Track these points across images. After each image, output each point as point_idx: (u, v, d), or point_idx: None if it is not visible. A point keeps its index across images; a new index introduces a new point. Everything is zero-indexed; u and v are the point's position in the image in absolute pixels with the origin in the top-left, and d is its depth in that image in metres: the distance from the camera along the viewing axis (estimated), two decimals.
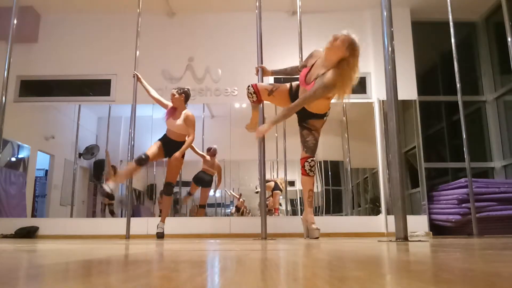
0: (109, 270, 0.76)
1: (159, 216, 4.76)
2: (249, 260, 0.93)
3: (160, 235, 3.63)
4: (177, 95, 3.70)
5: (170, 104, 3.76)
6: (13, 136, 4.93)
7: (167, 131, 3.74)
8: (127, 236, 3.78)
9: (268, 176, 4.86)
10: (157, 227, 3.66)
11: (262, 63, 3.21)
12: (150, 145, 3.73)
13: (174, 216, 4.98)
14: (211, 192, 5.00)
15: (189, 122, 3.62)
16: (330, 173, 5.07)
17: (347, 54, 2.54)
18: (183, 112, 3.67)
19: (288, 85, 3.07)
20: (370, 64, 5.08)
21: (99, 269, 0.79)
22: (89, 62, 5.18)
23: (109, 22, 5.31)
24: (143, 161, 3.44)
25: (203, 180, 4.73)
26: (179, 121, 3.64)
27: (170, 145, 3.66)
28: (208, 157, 4.62)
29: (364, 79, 5.08)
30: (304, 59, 4.13)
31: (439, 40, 5.28)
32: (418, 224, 4.45)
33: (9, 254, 1.30)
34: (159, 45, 5.17)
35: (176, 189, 4.60)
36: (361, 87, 5.10)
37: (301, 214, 4.63)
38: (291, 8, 5.16)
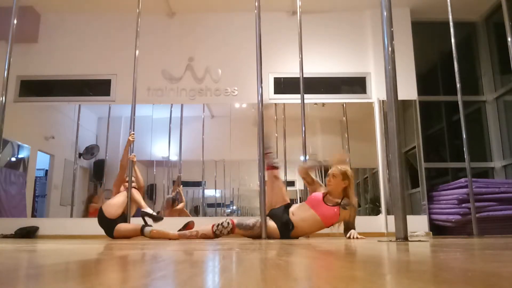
0: (109, 270, 0.76)
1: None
2: (249, 260, 0.93)
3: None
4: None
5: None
6: (13, 136, 4.93)
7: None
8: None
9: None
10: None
11: (261, 63, 3.20)
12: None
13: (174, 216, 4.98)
14: (212, 192, 5.01)
15: None
16: None
17: (344, 184, 3.03)
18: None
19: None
20: (370, 64, 5.08)
21: (99, 269, 0.79)
22: (89, 62, 5.18)
23: (109, 22, 5.31)
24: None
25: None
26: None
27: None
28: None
29: (364, 79, 5.08)
30: (303, 59, 4.14)
31: (439, 40, 5.28)
32: (418, 224, 4.45)
33: (9, 254, 1.30)
34: (159, 45, 5.17)
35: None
36: (361, 87, 5.10)
37: None
38: (291, 8, 5.16)
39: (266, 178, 3.05)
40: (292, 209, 3.08)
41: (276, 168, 3.17)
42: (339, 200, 3.03)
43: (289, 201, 3.17)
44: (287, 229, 2.96)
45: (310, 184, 3.25)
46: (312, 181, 3.24)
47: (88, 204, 4.94)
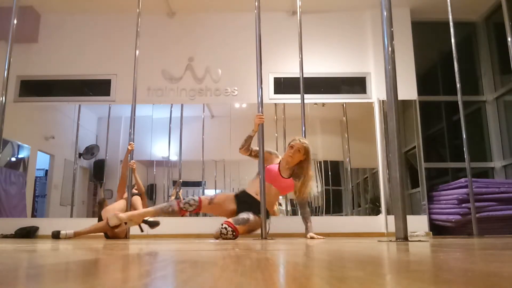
0: (109, 270, 0.76)
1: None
2: (249, 260, 0.93)
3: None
4: None
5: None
6: (13, 136, 4.93)
7: None
8: (127, 236, 3.79)
9: None
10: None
11: (261, 63, 3.20)
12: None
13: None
14: (212, 192, 5.01)
15: None
16: (330, 173, 5.07)
17: (303, 158, 3.20)
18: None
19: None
20: (370, 64, 5.08)
21: (99, 269, 0.79)
22: (89, 62, 5.18)
23: (109, 22, 5.31)
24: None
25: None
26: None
27: None
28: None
29: (364, 79, 5.08)
30: (303, 59, 4.14)
31: (439, 40, 5.28)
32: (418, 224, 4.45)
33: (9, 254, 1.30)
34: (159, 45, 5.17)
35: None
36: (361, 87, 5.10)
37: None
38: (291, 8, 5.16)
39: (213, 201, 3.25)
40: (254, 190, 3.18)
41: (187, 210, 3.20)
42: (292, 171, 3.25)
43: (235, 194, 3.31)
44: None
45: (255, 157, 3.21)
46: (254, 153, 3.24)
47: (100, 210, 4.93)
